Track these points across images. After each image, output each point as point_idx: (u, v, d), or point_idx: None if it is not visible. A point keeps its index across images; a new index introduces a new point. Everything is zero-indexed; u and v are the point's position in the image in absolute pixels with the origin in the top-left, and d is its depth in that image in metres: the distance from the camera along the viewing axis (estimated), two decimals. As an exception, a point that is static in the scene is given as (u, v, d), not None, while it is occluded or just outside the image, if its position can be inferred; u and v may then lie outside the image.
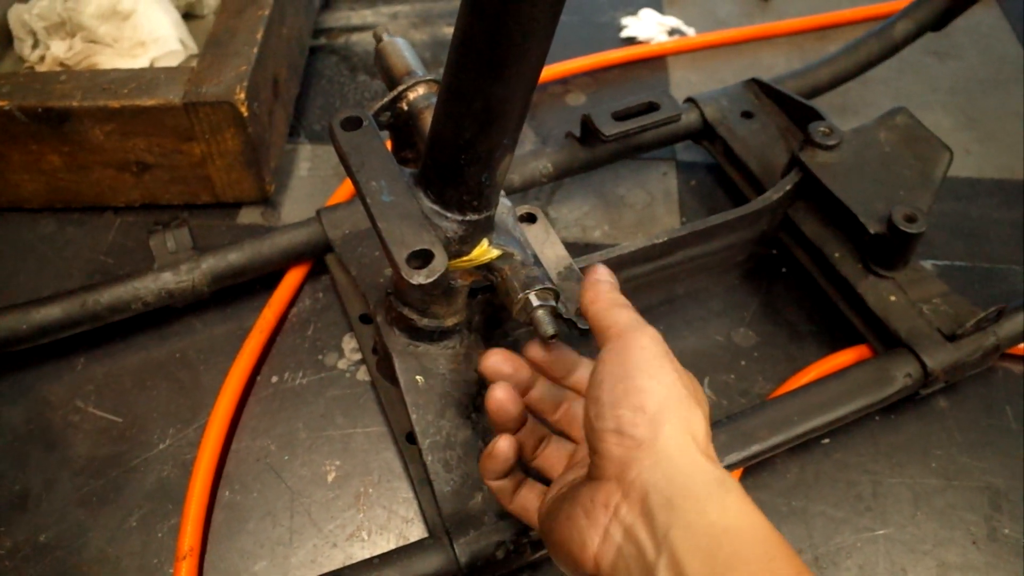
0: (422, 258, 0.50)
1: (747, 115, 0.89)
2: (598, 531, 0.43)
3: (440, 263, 0.50)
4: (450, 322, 0.63)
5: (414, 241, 0.51)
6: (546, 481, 0.53)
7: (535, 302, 0.55)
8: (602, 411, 0.44)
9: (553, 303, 0.56)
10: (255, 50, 0.82)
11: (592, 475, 0.45)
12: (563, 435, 0.55)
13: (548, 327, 0.54)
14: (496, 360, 0.54)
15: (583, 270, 0.53)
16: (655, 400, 0.44)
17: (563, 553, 0.46)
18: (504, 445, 0.50)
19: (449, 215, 0.54)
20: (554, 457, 0.54)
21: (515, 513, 0.53)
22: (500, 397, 0.51)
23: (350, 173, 0.55)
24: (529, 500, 0.52)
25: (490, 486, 0.53)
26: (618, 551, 0.42)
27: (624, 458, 0.43)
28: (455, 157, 0.50)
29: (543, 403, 0.55)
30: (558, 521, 0.46)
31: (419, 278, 0.49)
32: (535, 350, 0.55)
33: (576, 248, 0.85)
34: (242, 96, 0.77)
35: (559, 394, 0.55)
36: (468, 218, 0.54)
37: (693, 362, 0.76)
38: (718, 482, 0.42)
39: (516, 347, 0.57)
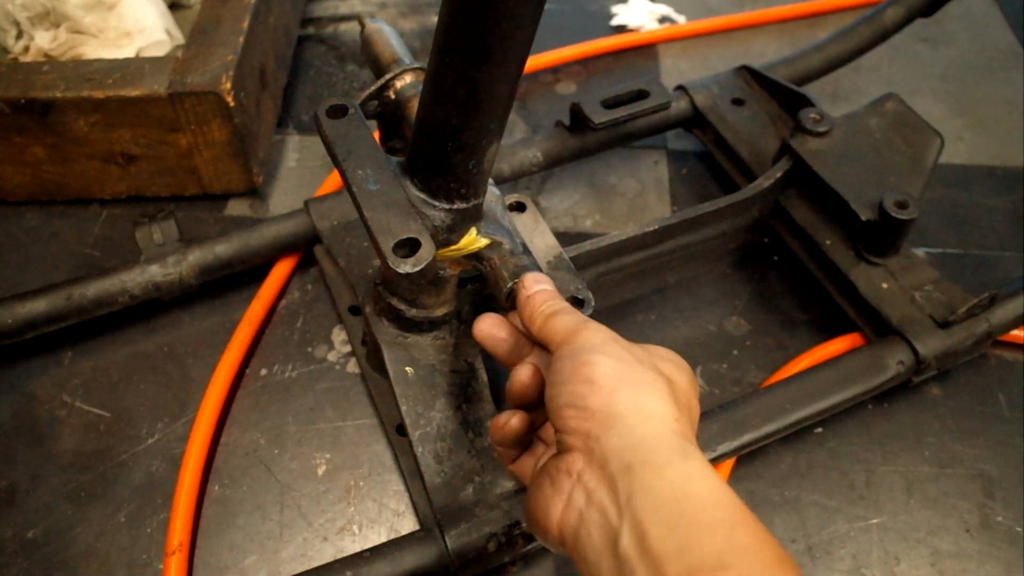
0: (409, 247, 0.50)
1: (738, 102, 0.89)
2: (562, 498, 0.44)
3: (427, 252, 0.49)
4: (439, 312, 0.63)
5: (401, 230, 0.50)
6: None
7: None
8: (557, 390, 0.46)
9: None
10: (241, 39, 0.81)
11: (559, 450, 0.46)
12: None
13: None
14: (489, 324, 0.54)
15: (516, 284, 0.54)
16: (604, 371, 0.45)
17: (533, 521, 0.47)
18: (516, 423, 0.51)
19: (436, 204, 0.53)
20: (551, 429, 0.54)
21: (515, 473, 0.54)
22: (525, 380, 0.51)
23: (336, 162, 0.54)
24: (527, 464, 0.53)
25: (495, 448, 0.54)
26: (580, 516, 0.42)
27: (581, 429, 0.44)
28: (442, 144, 0.50)
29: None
30: (529, 491, 0.47)
31: (406, 267, 0.49)
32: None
33: (567, 237, 0.84)
34: (228, 86, 0.77)
35: None
36: (456, 206, 0.53)
37: (685, 351, 0.74)
38: (678, 449, 0.42)
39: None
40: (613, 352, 0.46)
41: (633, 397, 0.44)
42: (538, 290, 0.53)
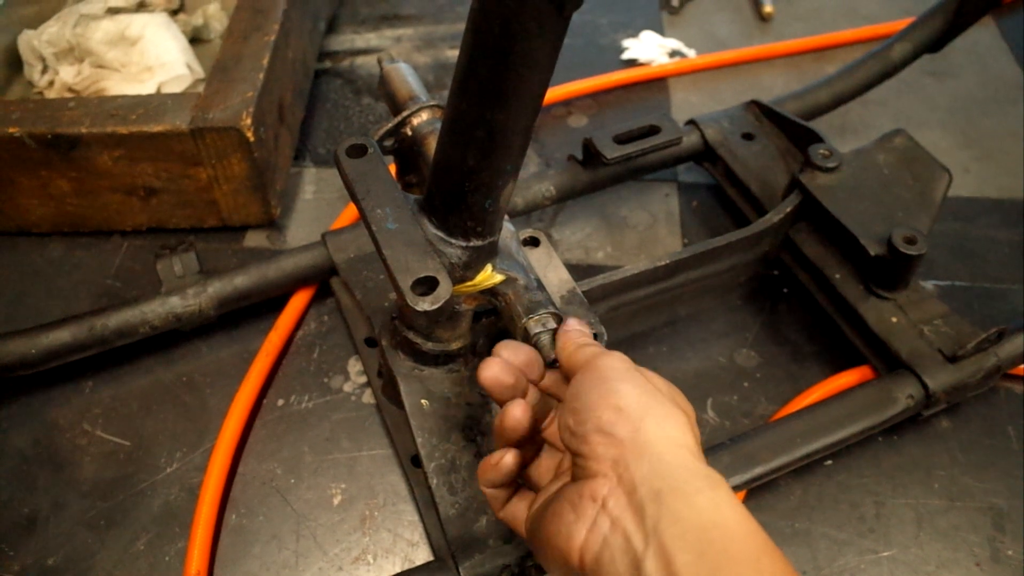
0: (427, 285, 0.51)
1: (748, 137, 0.90)
2: (585, 523, 0.44)
3: (445, 290, 0.51)
4: (454, 346, 0.64)
5: (419, 268, 0.51)
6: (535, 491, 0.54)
7: (538, 328, 0.56)
8: (582, 416, 0.46)
9: (556, 328, 0.57)
10: (261, 75, 0.83)
11: (577, 476, 0.46)
12: (551, 445, 0.56)
13: (551, 352, 0.54)
14: (496, 371, 0.55)
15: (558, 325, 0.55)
16: (631, 399, 0.45)
17: (549, 549, 0.46)
18: (510, 460, 0.51)
19: (453, 241, 0.54)
20: (544, 467, 0.55)
21: (504, 520, 0.54)
22: (519, 416, 0.51)
23: (355, 200, 0.55)
24: (519, 509, 0.53)
25: (485, 492, 0.54)
26: (604, 542, 0.43)
27: (609, 455, 0.44)
28: (459, 184, 0.51)
29: (536, 412, 0.55)
30: (544, 520, 0.47)
31: (424, 305, 0.50)
32: (520, 357, 0.55)
33: (579, 270, 0.85)
34: (248, 122, 0.78)
35: (549, 403, 0.56)
36: (472, 244, 0.55)
37: (696, 383, 0.77)
38: (706, 477, 0.42)
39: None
40: (637, 381, 0.47)
41: (661, 425, 0.44)
42: (575, 329, 0.54)
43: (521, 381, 0.55)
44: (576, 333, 0.54)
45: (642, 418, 0.44)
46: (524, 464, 0.54)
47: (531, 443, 0.55)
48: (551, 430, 0.55)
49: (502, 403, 0.55)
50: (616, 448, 0.44)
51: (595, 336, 0.59)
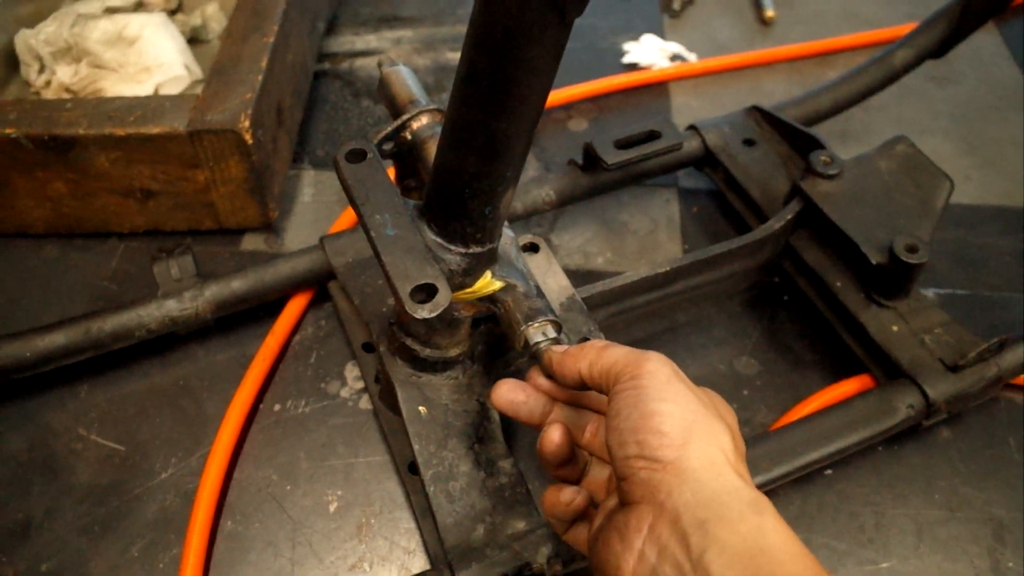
0: (426, 292, 0.51)
1: (749, 142, 0.90)
2: (632, 554, 0.43)
3: (444, 297, 0.50)
4: (453, 352, 0.63)
5: (418, 275, 0.51)
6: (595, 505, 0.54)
7: (538, 335, 0.55)
8: (624, 438, 0.45)
9: (555, 335, 0.56)
10: (260, 78, 0.83)
11: (623, 500, 0.46)
12: (598, 457, 0.55)
13: (551, 367, 0.54)
14: (507, 389, 0.55)
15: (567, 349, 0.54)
16: (674, 421, 0.44)
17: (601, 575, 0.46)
18: (581, 502, 0.51)
19: (453, 248, 0.54)
20: (596, 481, 0.54)
21: (569, 542, 0.54)
22: (557, 440, 0.51)
23: (355, 206, 0.55)
24: (580, 531, 0.53)
25: (549, 520, 0.54)
26: (652, 572, 0.42)
27: (652, 480, 0.43)
28: (459, 190, 0.51)
29: (570, 428, 0.55)
30: (597, 547, 0.47)
31: (423, 312, 0.50)
32: (542, 379, 0.55)
33: (578, 275, 0.85)
34: (246, 124, 0.78)
35: (581, 416, 0.55)
36: (471, 251, 0.54)
37: (695, 391, 0.76)
38: (751, 502, 0.42)
39: (519, 376, 0.57)
40: (679, 398, 0.46)
41: (704, 448, 0.44)
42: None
43: (539, 396, 0.55)
44: (588, 346, 0.51)
45: (685, 442, 0.44)
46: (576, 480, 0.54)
47: (575, 460, 0.54)
48: (593, 441, 0.55)
49: (520, 420, 0.55)
50: (659, 473, 0.43)
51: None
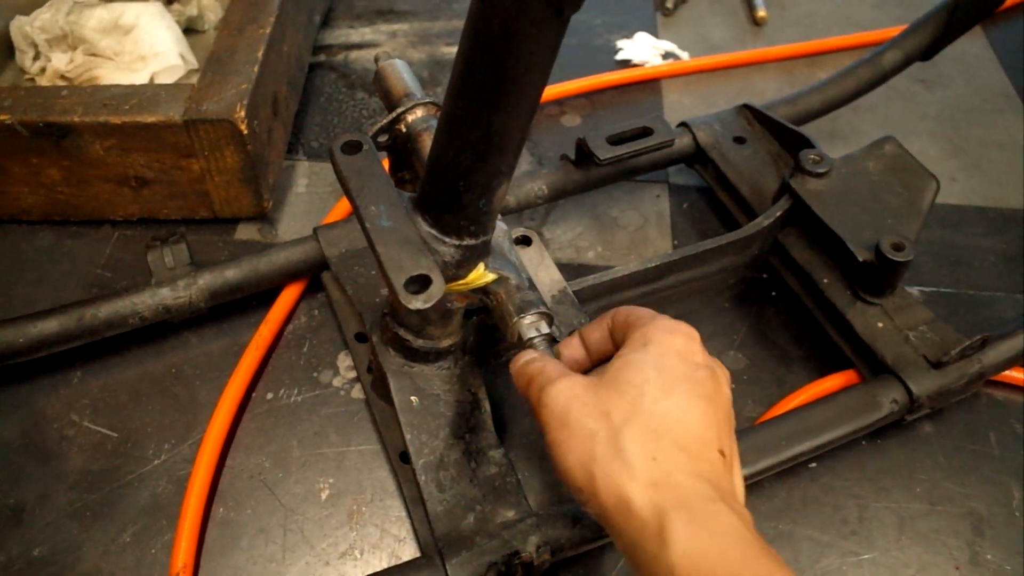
0: (420, 283, 0.51)
1: (739, 140, 0.91)
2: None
3: (438, 288, 0.51)
4: (445, 343, 0.64)
5: (412, 266, 0.52)
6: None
7: (531, 332, 0.56)
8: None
9: (547, 327, 0.57)
10: (255, 68, 0.83)
11: None
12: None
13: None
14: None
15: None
16: (574, 474, 0.48)
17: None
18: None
19: (447, 240, 0.55)
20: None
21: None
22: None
23: (350, 197, 0.56)
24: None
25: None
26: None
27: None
28: (454, 184, 0.51)
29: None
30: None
31: (417, 303, 0.50)
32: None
33: (570, 269, 0.86)
34: (242, 114, 0.78)
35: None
36: (465, 243, 0.55)
37: (683, 384, 0.77)
38: (654, 536, 0.43)
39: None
40: (575, 435, 0.47)
41: (609, 491, 0.45)
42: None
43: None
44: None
45: (594, 492, 0.46)
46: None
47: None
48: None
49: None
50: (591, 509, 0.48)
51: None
